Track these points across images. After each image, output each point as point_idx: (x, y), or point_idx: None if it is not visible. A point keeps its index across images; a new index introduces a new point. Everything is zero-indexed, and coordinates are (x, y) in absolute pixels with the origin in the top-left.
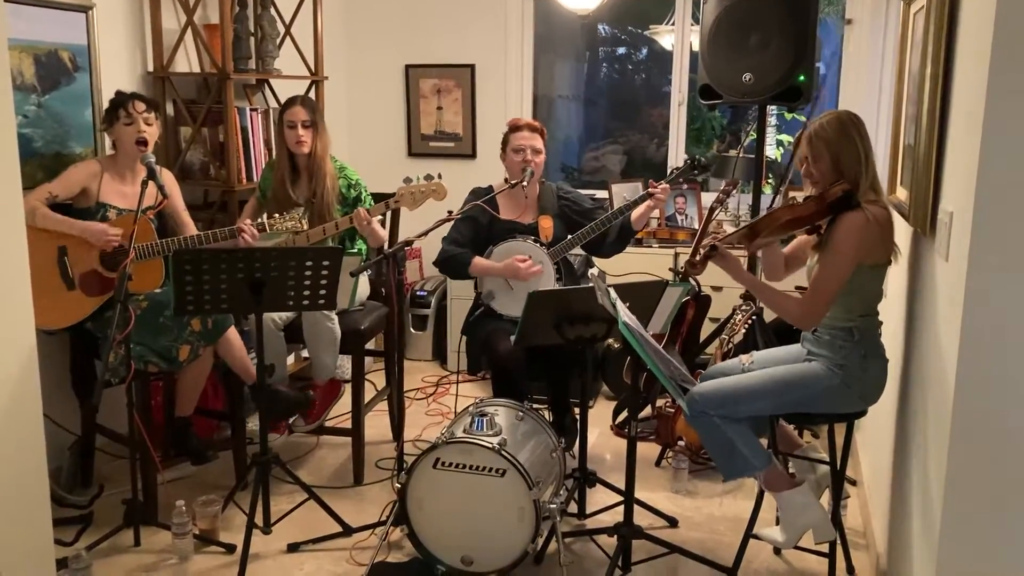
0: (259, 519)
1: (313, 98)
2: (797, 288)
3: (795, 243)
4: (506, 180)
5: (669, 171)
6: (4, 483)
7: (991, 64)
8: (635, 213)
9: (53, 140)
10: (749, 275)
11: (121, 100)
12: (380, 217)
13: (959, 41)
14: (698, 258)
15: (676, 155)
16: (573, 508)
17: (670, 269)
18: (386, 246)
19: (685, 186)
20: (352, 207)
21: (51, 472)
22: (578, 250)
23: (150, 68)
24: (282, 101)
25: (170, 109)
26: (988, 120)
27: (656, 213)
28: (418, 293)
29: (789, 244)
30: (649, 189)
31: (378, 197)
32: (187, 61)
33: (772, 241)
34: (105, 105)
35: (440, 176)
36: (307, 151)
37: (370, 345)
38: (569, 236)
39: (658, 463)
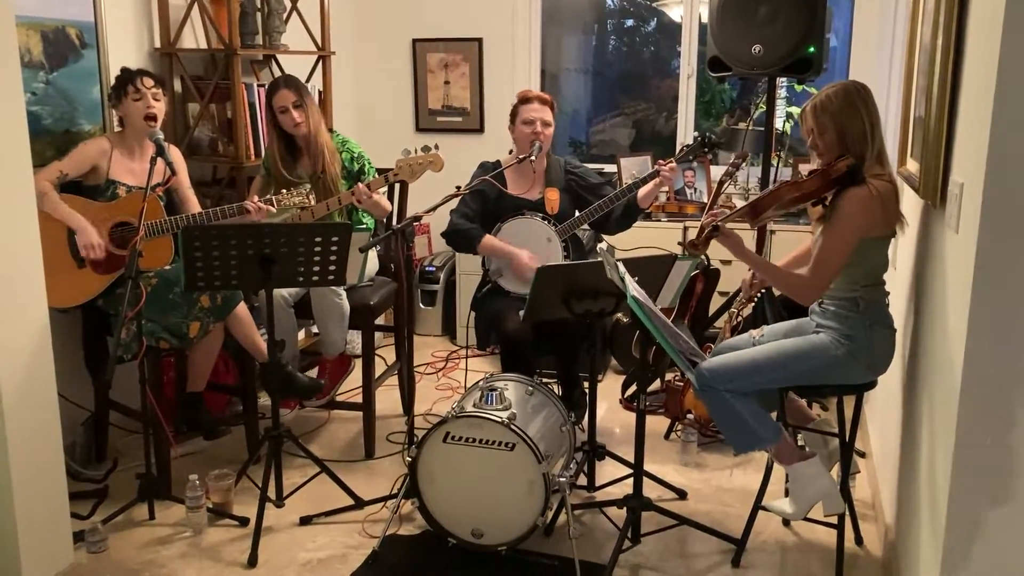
0: (272, 492)
1: (296, 76)
2: None
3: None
4: (511, 152)
5: (679, 148)
6: (21, 458)
7: (1003, 34)
8: (642, 191)
9: (62, 117)
10: (751, 252)
11: (128, 76)
12: (384, 190)
13: (971, 12)
14: (700, 238)
15: (685, 128)
16: (582, 481)
17: (679, 243)
18: (395, 222)
19: (695, 161)
20: (356, 180)
21: (66, 447)
22: (586, 226)
23: (157, 44)
24: None
25: (177, 86)
26: (999, 91)
27: (665, 189)
28: (427, 268)
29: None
30: (657, 167)
31: (383, 172)
32: (194, 37)
33: (776, 216)
34: (111, 82)
35: (437, 147)
36: (304, 131)
37: (379, 320)
38: (577, 214)
39: (667, 436)
